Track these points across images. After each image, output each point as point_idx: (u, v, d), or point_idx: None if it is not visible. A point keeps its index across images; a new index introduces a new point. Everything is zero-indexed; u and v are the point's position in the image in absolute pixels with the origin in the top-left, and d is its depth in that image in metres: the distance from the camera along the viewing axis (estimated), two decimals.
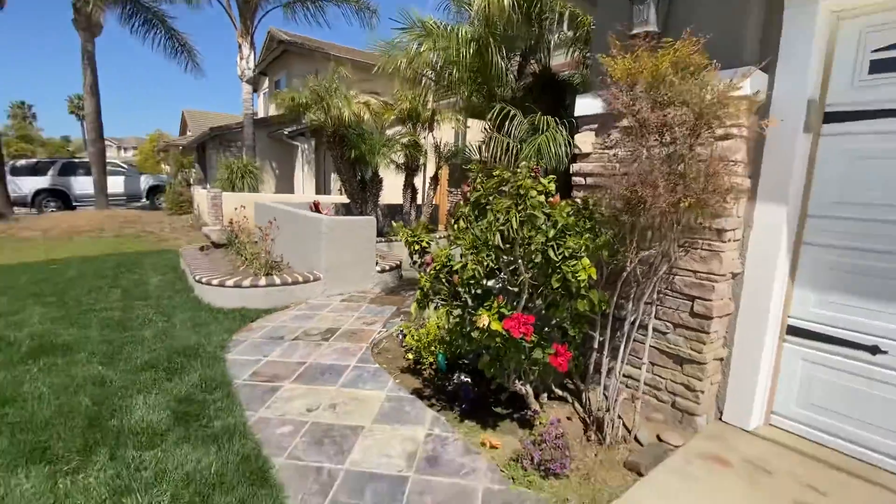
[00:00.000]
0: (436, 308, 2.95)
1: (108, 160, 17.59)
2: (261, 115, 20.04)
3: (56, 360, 3.41)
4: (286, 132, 14.72)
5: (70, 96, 50.66)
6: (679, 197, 2.20)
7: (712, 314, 2.57)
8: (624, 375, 2.79)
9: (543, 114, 4.36)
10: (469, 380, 3.33)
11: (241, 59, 13.74)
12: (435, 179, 9.43)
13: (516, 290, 2.52)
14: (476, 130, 9.67)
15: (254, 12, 13.57)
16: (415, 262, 3.44)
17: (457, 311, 2.61)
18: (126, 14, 13.59)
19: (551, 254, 2.31)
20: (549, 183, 2.46)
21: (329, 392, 3.09)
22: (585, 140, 3.18)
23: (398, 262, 6.20)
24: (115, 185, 16.20)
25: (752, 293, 2.65)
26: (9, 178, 14.08)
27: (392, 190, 9.94)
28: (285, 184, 16.39)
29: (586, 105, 3.13)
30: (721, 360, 2.78)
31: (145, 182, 17.35)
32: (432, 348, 3.51)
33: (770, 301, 2.58)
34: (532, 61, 5.62)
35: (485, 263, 2.41)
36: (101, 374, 3.18)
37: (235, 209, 8.11)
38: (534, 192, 2.36)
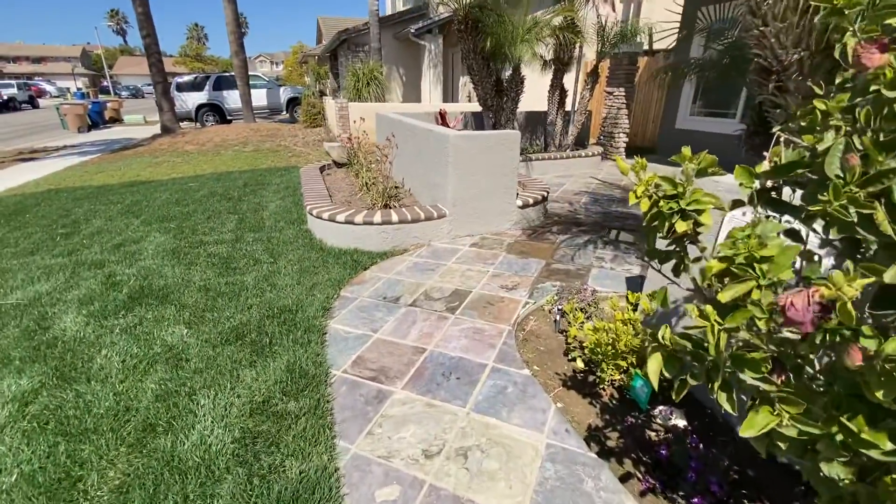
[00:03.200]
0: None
1: (256, 74, 18.31)
2: (389, 12, 18.56)
3: (147, 312, 2.91)
4: (412, 30, 13.14)
5: None
6: None
7: None
8: None
9: None
10: (685, 423, 1.96)
11: None
12: (594, 75, 7.23)
13: None
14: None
15: None
16: (654, 258, 1.33)
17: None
18: None
19: None
20: None
21: (457, 418, 2.00)
22: None
23: (544, 194, 4.68)
24: (259, 98, 16.85)
25: None
26: (175, 94, 15.43)
27: (532, 94, 8.01)
28: (413, 92, 15.22)
29: None
30: None
31: (284, 95, 17.76)
32: (619, 361, 2.14)
33: None
34: None
35: None
36: (182, 343, 2.55)
37: (354, 122, 7.21)
38: None
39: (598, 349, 2.19)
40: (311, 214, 4.19)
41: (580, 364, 2.33)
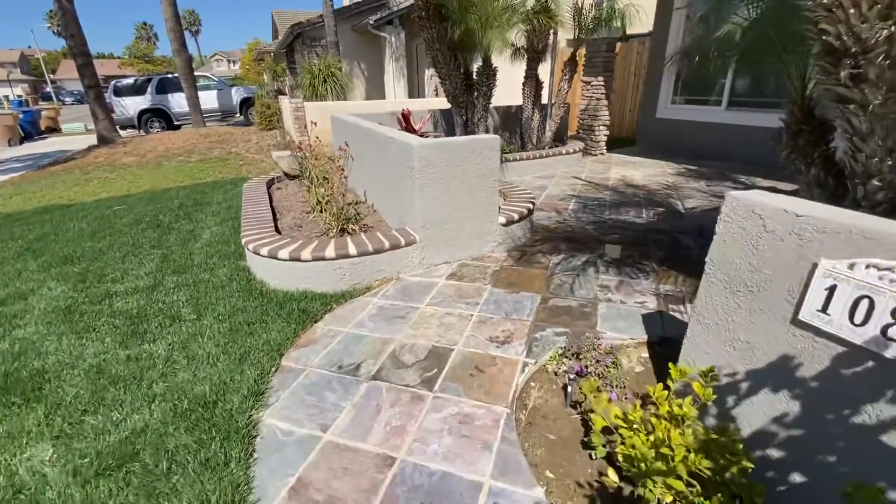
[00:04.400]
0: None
1: (204, 74, 16.95)
2: (346, 3, 17.48)
3: (6, 420, 2.08)
4: (371, 21, 12.23)
5: (183, 12, 52.11)
6: None
7: None
8: None
9: None
10: None
11: None
12: (572, 64, 6.59)
13: None
14: None
15: None
16: None
17: None
18: None
19: None
20: None
21: None
22: None
23: (529, 206, 4.01)
24: (208, 100, 15.58)
25: None
26: (114, 99, 14.04)
27: (504, 87, 7.34)
28: (377, 88, 14.31)
29: None
30: None
31: (237, 95, 16.52)
32: (672, 480, 1.48)
33: None
34: None
35: None
36: (37, 479, 1.74)
37: (313, 123, 6.36)
38: None
39: (637, 462, 1.52)
40: (248, 249, 3.38)
41: (613, 477, 1.65)
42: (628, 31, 7.63)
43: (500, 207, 3.76)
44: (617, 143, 8.94)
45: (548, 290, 3.08)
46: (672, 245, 3.78)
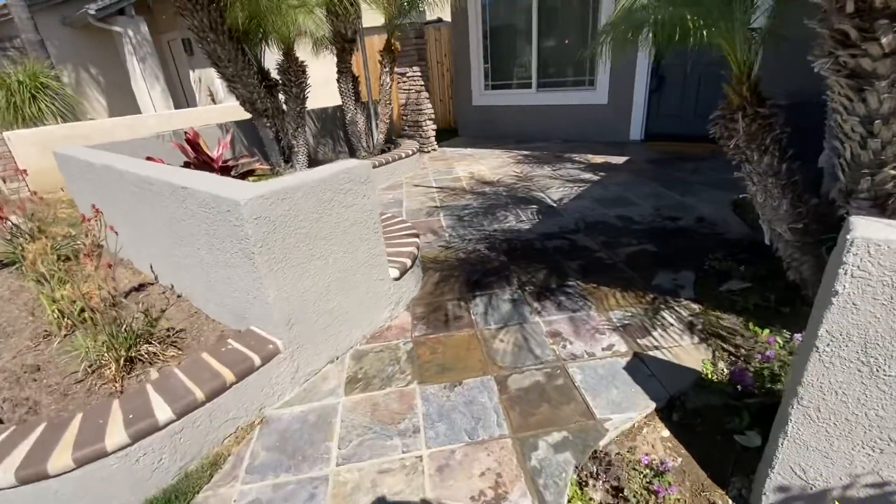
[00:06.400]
0: None
1: None
2: None
3: None
4: (92, 11, 9.05)
5: None
6: None
7: None
8: None
9: None
10: None
11: None
12: (390, 53, 5.74)
13: None
14: None
15: None
16: None
17: None
18: None
19: None
20: None
21: None
22: None
23: (417, 242, 3.05)
24: None
25: None
26: None
27: (316, 85, 6.06)
28: (123, 101, 10.86)
29: None
30: None
31: None
32: None
33: None
34: None
35: None
36: None
37: (17, 173, 3.96)
38: None
39: None
40: None
41: None
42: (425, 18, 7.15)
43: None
44: (438, 135, 8.57)
45: (494, 362, 2.22)
46: (575, 250, 3.35)
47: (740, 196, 4.14)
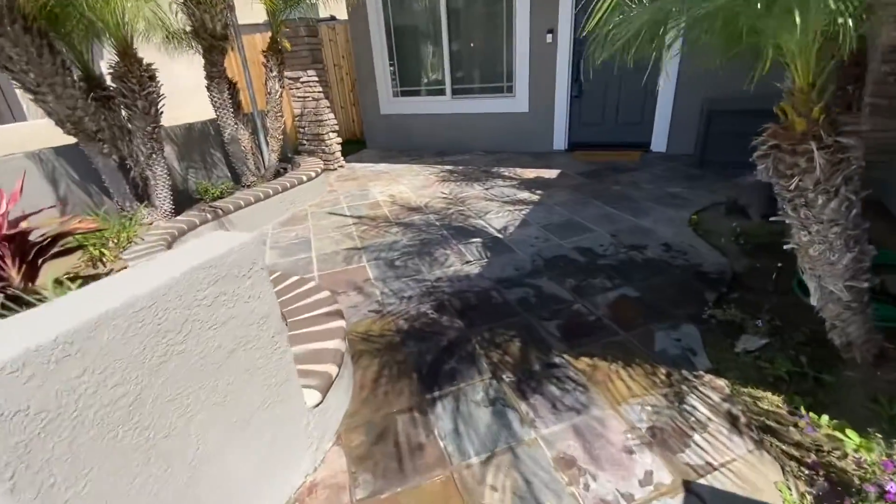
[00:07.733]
0: None
1: None
2: None
3: None
4: None
5: None
6: None
7: None
8: None
9: None
10: None
11: None
12: (277, 53, 4.64)
13: None
14: None
15: None
16: None
17: None
18: None
19: None
20: None
21: None
22: None
23: (340, 326, 2.11)
24: None
25: None
26: None
27: (183, 93, 4.73)
28: None
29: None
30: None
31: None
32: None
33: None
34: None
35: None
36: None
37: None
38: None
39: None
40: None
41: None
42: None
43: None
44: (344, 148, 7.51)
45: None
46: (544, 302, 2.67)
47: (694, 213, 3.84)
